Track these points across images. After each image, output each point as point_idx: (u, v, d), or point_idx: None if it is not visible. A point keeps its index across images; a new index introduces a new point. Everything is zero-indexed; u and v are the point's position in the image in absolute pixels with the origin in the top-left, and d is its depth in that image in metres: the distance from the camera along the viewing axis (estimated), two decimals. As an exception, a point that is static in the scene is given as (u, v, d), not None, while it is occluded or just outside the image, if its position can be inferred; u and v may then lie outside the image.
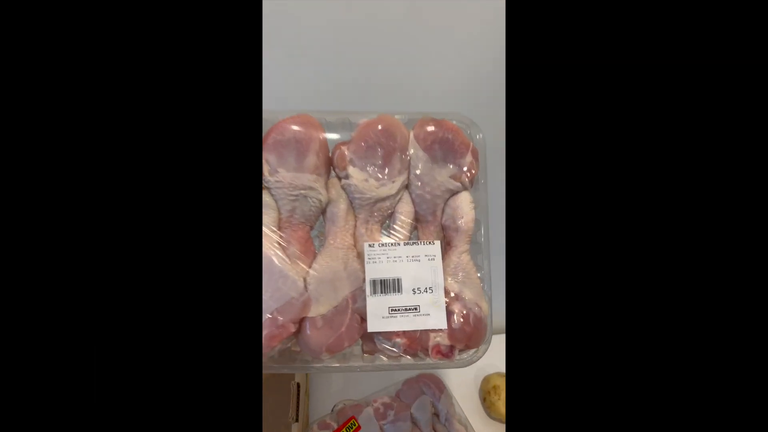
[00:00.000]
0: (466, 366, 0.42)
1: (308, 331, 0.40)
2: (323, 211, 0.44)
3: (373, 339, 0.42)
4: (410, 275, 0.42)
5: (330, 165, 0.44)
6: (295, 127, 0.42)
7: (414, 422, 0.58)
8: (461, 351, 0.42)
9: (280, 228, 0.42)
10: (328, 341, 0.40)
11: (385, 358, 0.42)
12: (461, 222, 0.43)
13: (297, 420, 0.50)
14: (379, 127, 0.43)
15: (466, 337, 0.41)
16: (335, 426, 0.55)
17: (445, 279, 0.42)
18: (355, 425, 0.55)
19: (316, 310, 0.40)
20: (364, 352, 0.42)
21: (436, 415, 0.59)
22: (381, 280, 0.41)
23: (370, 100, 0.54)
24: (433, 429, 0.58)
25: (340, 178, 0.44)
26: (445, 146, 0.43)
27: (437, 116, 0.45)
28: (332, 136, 0.46)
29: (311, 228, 0.44)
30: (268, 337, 0.39)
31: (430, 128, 0.43)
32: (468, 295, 0.42)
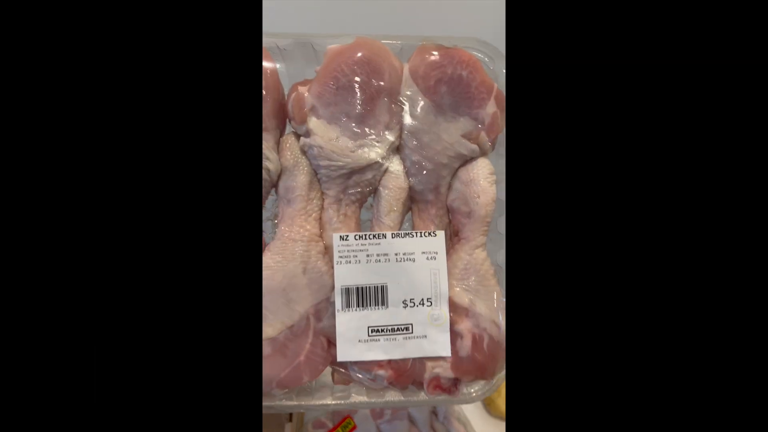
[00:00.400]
0: (474, 402, 0.30)
1: (251, 362, 0.28)
2: (275, 185, 0.30)
3: (346, 366, 0.30)
4: (400, 281, 0.29)
5: (284, 115, 0.30)
6: (225, 54, 0.27)
7: (411, 421, 0.53)
8: (469, 383, 0.30)
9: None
10: (280, 374, 0.28)
11: (363, 395, 0.30)
12: (477, 203, 0.29)
13: (291, 420, 0.45)
14: (358, 56, 0.28)
15: (476, 369, 0.29)
16: (330, 425, 0.51)
17: (451, 286, 0.29)
18: (351, 424, 0.51)
19: (262, 332, 0.28)
20: (335, 381, 0.31)
21: (434, 413, 0.55)
22: (357, 289, 0.29)
23: (348, 19, 0.38)
24: (432, 427, 0.53)
25: (298, 136, 0.29)
26: (457, 88, 0.28)
27: (445, 42, 0.30)
28: (287, 70, 0.31)
29: (258, 209, 0.30)
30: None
31: (435, 60, 0.28)
32: (482, 309, 0.29)
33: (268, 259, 0.28)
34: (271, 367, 0.28)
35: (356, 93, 0.28)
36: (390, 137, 0.29)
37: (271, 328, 0.28)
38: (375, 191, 0.30)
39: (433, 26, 0.38)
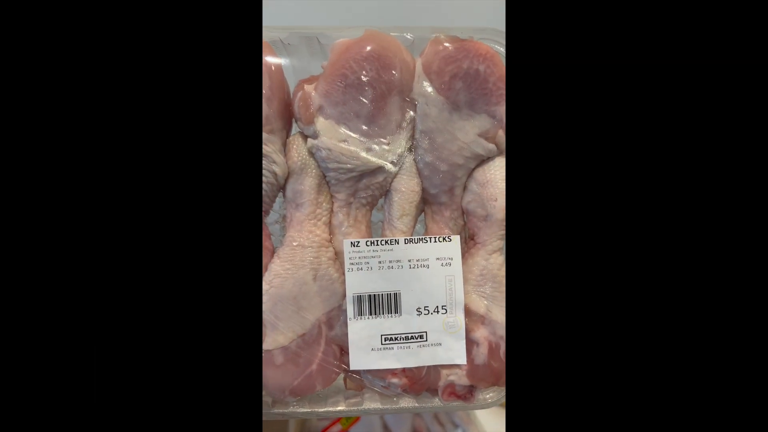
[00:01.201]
0: (489, 407, 0.30)
1: (264, 371, 0.27)
2: (282, 188, 0.29)
3: (359, 374, 0.29)
4: (414, 288, 0.28)
5: (290, 115, 0.28)
6: (226, 53, 0.25)
7: (415, 411, 0.52)
8: (485, 389, 0.30)
9: (215, 216, 0.28)
10: (293, 383, 0.28)
11: (376, 401, 0.30)
12: (493, 206, 0.28)
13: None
14: (367, 50, 0.26)
15: (493, 376, 0.28)
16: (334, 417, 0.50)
17: (467, 293, 0.28)
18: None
19: (273, 341, 0.27)
20: (347, 387, 0.30)
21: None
22: (370, 297, 0.28)
23: (355, 11, 0.36)
24: (435, 418, 0.53)
25: (305, 136, 0.28)
26: (474, 84, 0.27)
27: (460, 34, 0.28)
28: (291, 66, 0.29)
29: (265, 213, 0.29)
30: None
31: (450, 54, 0.27)
32: (499, 316, 0.28)
33: (278, 267, 0.27)
34: (283, 376, 0.27)
35: (366, 91, 0.26)
36: (402, 137, 0.28)
37: (282, 336, 0.27)
38: (386, 194, 0.29)
39: (439, 17, 0.35)
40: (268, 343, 0.27)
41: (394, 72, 0.26)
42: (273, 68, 0.27)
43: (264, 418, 0.29)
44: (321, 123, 0.27)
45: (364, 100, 0.26)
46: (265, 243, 0.29)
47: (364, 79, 0.26)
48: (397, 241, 0.28)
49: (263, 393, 0.29)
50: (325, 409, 0.29)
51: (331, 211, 0.29)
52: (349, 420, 0.49)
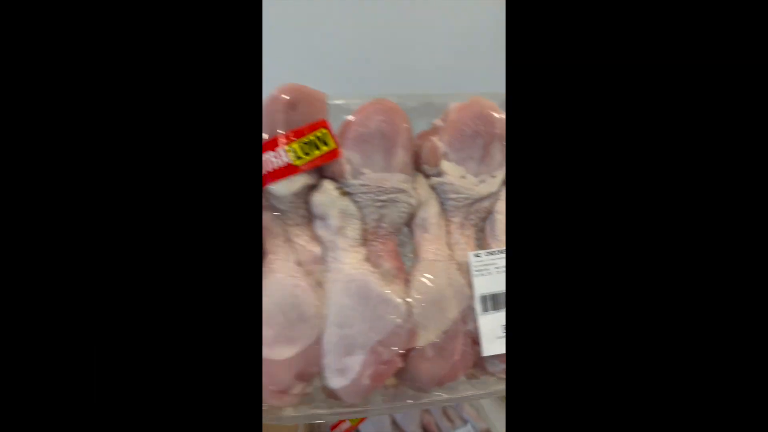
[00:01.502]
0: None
1: (418, 365, 0.33)
2: (409, 218, 0.36)
3: (483, 362, 0.36)
4: (523, 286, 0.36)
5: (416, 161, 0.36)
6: (380, 117, 0.33)
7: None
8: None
9: (366, 241, 0.35)
10: (441, 373, 0.34)
11: (498, 384, 0.36)
12: (569, 219, 0.37)
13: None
14: (476, 110, 0.35)
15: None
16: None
17: (560, 286, 0.37)
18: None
19: (425, 338, 0.34)
20: (468, 377, 0.37)
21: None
22: (492, 295, 0.35)
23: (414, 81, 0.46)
24: (444, 412, 0.56)
25: (428, 176, 0.36)
26: (550, 132, 0.37)
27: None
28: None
29: (397, 236, 0.36)
30: (374, 376, 0.32)
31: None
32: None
33: (421, 278, 0.34)
34: (433, 368, 0.34)
35: (477, 140, 0.35)
36: (502, 172, 0.37)
37: (432, 334, 0.34)
38: (488, 215, 0.38)
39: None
40: (420, 341, 0.33)
41: (495, 125, 0.36)
42: (406, 127, 0.35)
43: (408, 410, 0.34)
44: (446, 165, 0.35)
45: (476, 146, 0.35)
46: (402, 262, 0.36)
47: (476, 131, 0.35)
48: (505, 251, 0.36)
49: (409, 386, 0.35)
50: (459, 395, 0.35)
51: (449, 232, 0.37)
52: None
